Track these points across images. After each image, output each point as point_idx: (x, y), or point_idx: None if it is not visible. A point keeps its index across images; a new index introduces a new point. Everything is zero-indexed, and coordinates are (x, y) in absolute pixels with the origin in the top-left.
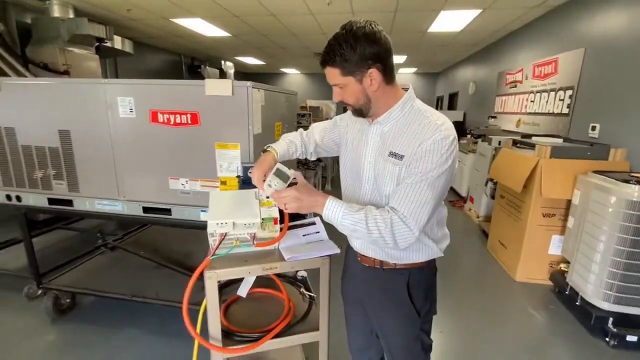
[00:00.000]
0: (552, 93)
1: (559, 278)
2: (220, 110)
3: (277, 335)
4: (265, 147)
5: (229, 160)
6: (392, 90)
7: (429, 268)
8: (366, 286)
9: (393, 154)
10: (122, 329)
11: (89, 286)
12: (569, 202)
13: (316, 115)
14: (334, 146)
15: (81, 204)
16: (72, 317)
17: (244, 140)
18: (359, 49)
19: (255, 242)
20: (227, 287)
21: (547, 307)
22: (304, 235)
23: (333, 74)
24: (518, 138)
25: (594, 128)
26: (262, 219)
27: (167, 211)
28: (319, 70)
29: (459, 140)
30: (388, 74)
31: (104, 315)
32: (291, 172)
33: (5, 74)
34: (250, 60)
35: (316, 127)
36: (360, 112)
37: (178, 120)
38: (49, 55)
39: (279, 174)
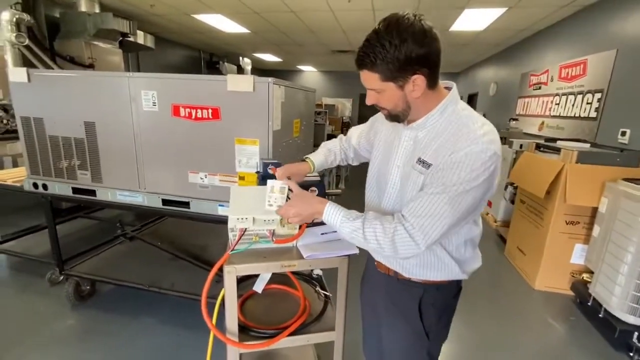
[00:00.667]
0: (580, 96)
1: (580, 288)
2: (241, 106)
3: (292, 333)
4: (303, 158)
5: (248, 156)
6: (434, 94)
7: (449, 289)
8: (379, 292)
9: (421, 162)
10: (138, 318)
11: (108, 274)
12: (595, 209)
13: (331, 113)
14: (372, 149)
15: (103, 195)
16: (91, 304)
17: (263, 136)
18: (404, 50)
19: (274, 239)
20: (242, 282)
21: (568, 318)
22: (322, 234)
23: (370, 79)
24: (542, 142)
25: (624, 133)
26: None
27: (186, 204)
28: (335, 68)
29: None
30: (433, 78)
31: (121, 303)
32: (283, 184)
33: (34, 67)
34: (268, 57)
35: (354, 131)
36: (396, 118)
37: (199, 115)
38: (75, 49)
39: (274, 190)
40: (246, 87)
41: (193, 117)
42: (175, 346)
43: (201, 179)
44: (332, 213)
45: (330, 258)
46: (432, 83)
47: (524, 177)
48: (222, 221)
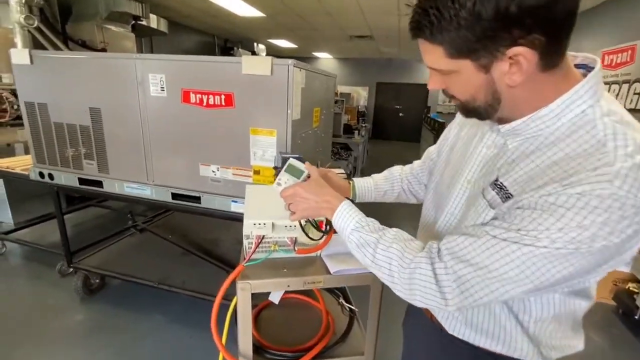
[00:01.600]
0: (625, 85)
1: (625, 299)
2: (257, 91)
3: (314, 357)
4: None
5: (264, 148)
6: (551, 78)
7: None
8: (420, 340)
9: (498, 186)
10: (147, 315)
11: (117, 269)
12: None
13: (347, 102)
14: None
15: (110, 186)
16: (100, 298)
17: (282, 126)
18: (494, 3)
19: (296, 248)
20: None
21: (610, 331)
22: None
23: (431, 53)
24: None
25: None
26: (306, 221)
27: (197, 199)
28: (351, 54)
29: None
30: (554, 51)
31: (131, 298)
32: (304, 166)
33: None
34: (282, 43)
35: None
36: (475, 114)
37: (211, 102)
38: (87, 33)
39: (291, 170)
40: (263, 69)
41: (204, 103)
42: (185, 348)
43: (213, 172)
44: (346, 214)
45: (362, 274)
46: (550, 60)
47: None
48: (235, 218)
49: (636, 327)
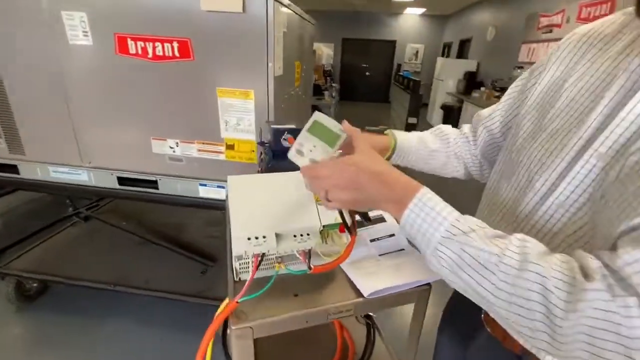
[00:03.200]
0: None
1: None
2: (224, 37)
3: None
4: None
5: (239, 115)
6: None
7: None
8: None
9: None
10: (106, 319)
11: (60, 270)
12: None
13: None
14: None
15: (30, 172)
16: (41, 304)
17: (260, 85)
18: None
19: (311, 266)
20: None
21: None
22: (372, 241)
23: None
24: None
25: None
26: (324, 225)
27: (152, 183)
28: (313, 5)
29: (469, 93)
30: None
31: (79, 302)
32: (340, 128)
33: None
34: None
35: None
36: None
37: (159, 52)
38: None
39: (319, 131)
40: (232, 3)
41: (150, 54)
42: (155, 351)
43: (171, 148)
44: (430, 211)
45: (407, 291)
46: None
47: None
48: (207, 205)
49: None
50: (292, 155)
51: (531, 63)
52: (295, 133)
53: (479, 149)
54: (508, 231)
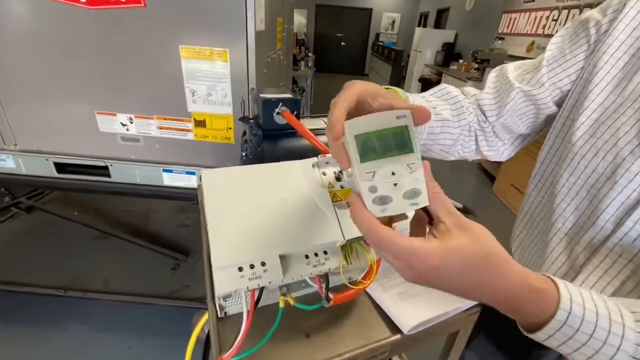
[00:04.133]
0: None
1: None
2: None
3: None
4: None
5: (211, 82)
6: None
7: None
8: None
9: None
10: (59, 329)
11: None
12: None
13: None
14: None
15: None
16: None
17: (237, 42)
18: None
19: (331, 296)
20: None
21: None
22: None
23: None
24: None
25: None
26: (347, 240)
27: (102, 170)
28: None
29: (447, 65)
30: None
31: (27, 309)
32: (396, 114)
33: None
34: None
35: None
36: None
37: None
38: None
39: (374, 143)
40: None
41: None
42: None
43: (123, 125)
44: (601, 328)
45: (453, 318)
46: None
47: None
48: (173, 196)
49: None
50: (373, 206)
51: (513, 34)
52: (292, 105)
53: (500, 119)
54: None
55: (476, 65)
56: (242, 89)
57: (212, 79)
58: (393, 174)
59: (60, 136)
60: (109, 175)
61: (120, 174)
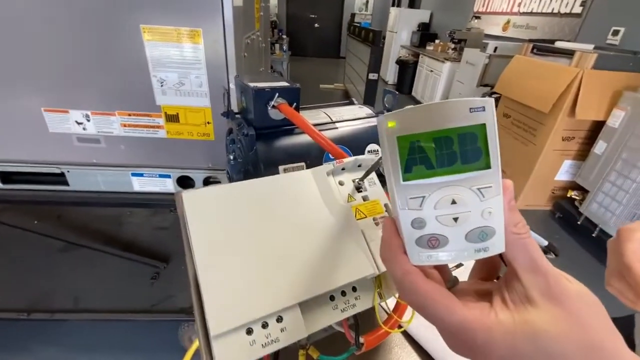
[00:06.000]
0: None
1: (566, 206)
2: None
3: None
4: None
5: (181, 70)
6: None
7: None
8: None
9: None
10: (28, 351)
11: None
12: (596, 123)
13: None
14: None
15: None
16: None
17: (212, 20)
18: None
19: (361, 341)
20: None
21: (552, 237)
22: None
23: None
24: (546, 44)
25: (616, 32)
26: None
27: (57, 177)
28: None
29: (424, 46)
30: None
31: None
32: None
33: None
34: None
35: None
36: None
37: None
38: None
39: (451, 146)
40: None
41: None
42: None
43: (78, 123)
44: None
45: None
46: None
47: (517, 87)
48: (146, 204)
49: (579, 231)
50: (415, 249)
51: (488, 12)
52: (291, 95)
53: None
54: None
55: (453, 46)
56: (220, 77)
57: (184, 66)
58: (454, 202)
59: (2, 138)
60: (66, 183)
61: (80, 181)
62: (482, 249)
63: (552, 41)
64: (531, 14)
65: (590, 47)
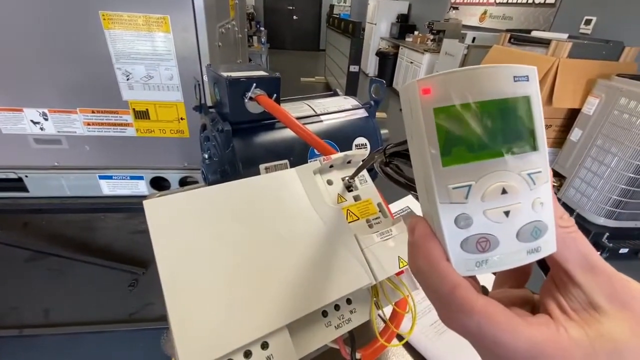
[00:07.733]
0: None
1: None
2: None
3: None
4: None
5: (148, 61)
6: None
7: None
8: None
9: None
10: None
11: None
12: (572, 111)
13: None
14: None
15: None
16: None
17: (181, 6)
18: None
19: (358, 357)
20: None
21: None
22: None
23: None
24: (523, 34)
25: (588, 22)
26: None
27: (15, 183)
28: None
29: (403, 37)
30: None
31: None
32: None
33: None
34: None
35: None
36: None
37: None
38: None
39: (495, 121)
40: None
41: None
42: None
43: (35, 123)
44: None
45: None
46: None
47: None
48: (117, 208)
49: None
50: (461, 255)
51: (466, 3)
52: (270, 85)
53: None
54: None
55: (432, 37)
56: (192, 68)
57: (152, 57)
58: (504, 192)
59: None
60: (25, 190)
61: (41, 186)
62: (534, 249)
63: (529, 31)
64: (507, 4)
65: (565, 36)
